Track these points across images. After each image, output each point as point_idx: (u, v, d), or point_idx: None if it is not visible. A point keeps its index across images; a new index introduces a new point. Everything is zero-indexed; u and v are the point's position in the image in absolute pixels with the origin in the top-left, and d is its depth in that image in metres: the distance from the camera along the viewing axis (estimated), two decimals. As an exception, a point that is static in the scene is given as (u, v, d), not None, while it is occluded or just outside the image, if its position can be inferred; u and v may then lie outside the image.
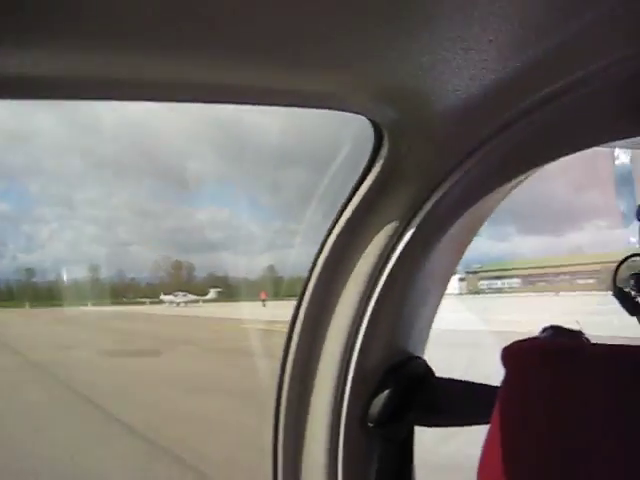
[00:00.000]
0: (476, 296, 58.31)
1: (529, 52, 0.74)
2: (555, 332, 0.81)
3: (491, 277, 68.80)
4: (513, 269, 65.93)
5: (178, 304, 53.20)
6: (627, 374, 0.69)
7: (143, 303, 58.15)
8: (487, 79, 0.78)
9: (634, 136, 0.81)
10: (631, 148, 1.16)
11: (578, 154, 0.92)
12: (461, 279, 68.17)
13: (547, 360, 0.76)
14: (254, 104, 0.79)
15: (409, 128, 0.88)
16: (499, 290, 63.48)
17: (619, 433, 0.68)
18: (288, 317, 1.04)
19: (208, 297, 59.21)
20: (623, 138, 0.86)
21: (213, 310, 41.15)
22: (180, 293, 57.10)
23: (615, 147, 1.16)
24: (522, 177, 0.97)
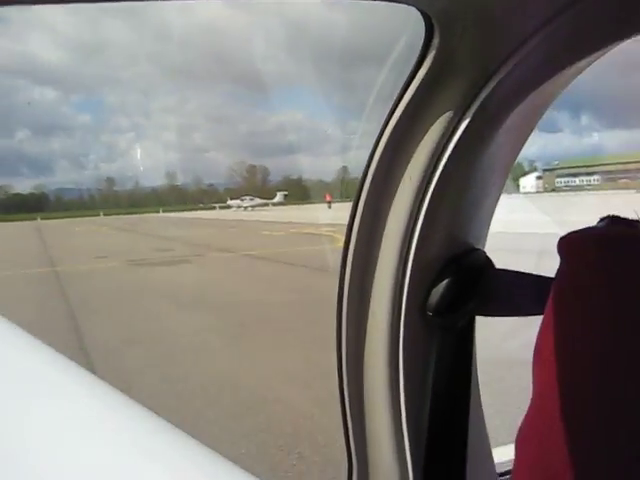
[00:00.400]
0: (552, 194, 55.83)
1: None
2: (613, 222, 0.77)
3: (569, 174, 65.97)
4: (593, 165, 62.69)
5: (245, 208, 53.65)
6: None
7: (214, 208, 59.47)
8: None
9: None
10: None
11: None
12: (538, 177, 65.76)
13: (603, 249, 0.74)
14: None
15: (459, 16, 0.86)
16: (578, 188, 60.76)
17: None
18: (345, 219, 1.05)
19: (275, 200, 59.92)
20: None
21: (277, 214, 41.20)
22: (247, 197, 57.70)
23: None
24: (582, 64, 0.93)
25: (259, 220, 34.10)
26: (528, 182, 61.27)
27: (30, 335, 0.76)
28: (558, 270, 0.79)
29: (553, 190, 62.35)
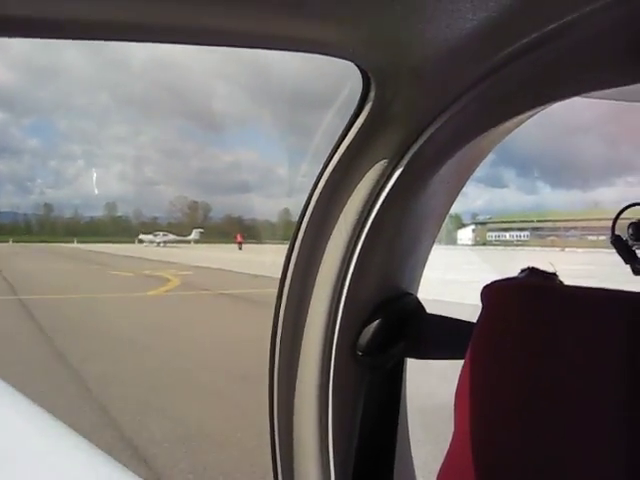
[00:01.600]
0: (482, 248, 55.28)
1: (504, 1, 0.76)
2: (532, 273, 0.83)
3: (500, 229, 65.66)
4: (523, 221, 62.57)
5: (158, 244, 51.29)
6: (599, 315, 0.72)
7: (133, 242, 56.11)
8: (464, 28, 0.80)
9: (624, 84, 0.80)
10: (622, 100, 1.13)
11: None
12: (474, 230, 65.34)
13: (522, 297, 0.78)
14: (248, 47, 0.82)
15: (394, 74, 0.90)
16: (507, 243, 60.39)
17: (586, 369, 0.72)
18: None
19: (190, 237, 58.72)
20: (608, 87, 0.84)
21: (176, 252, 39.99)
22: (160, 233, 55.60)
23: (604, 98, 1.10)
24: (513, 122, 0.96)
25: (141, 257, 31.36)
26: (465, 234, 62.21)
27: None
28: (479, 317, 0.82)
29: (484, 244, 62.03)
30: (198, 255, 34.63)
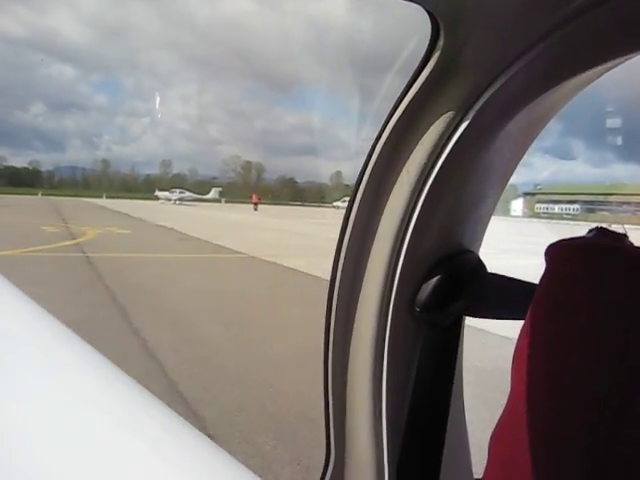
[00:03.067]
0: (525, 220, 51.00)
1: None
2: (600, 233, 0.79)
3: (549, 201, 60.42)
4: (575, 194, 57.13)
5: (175, 202, 49.74)
6: None
7: (157, 198, 54.57)
8: None
9: None
10: None
11: None
12: (523, 201, 60.64)
13: (588, 257, 0.76)
14: None
15: (465, 19, 0.87)
16: (554, 215, 55.52)
17: None
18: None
19: (209, 196, 57.21)
20: None
21: (176, 210, 39.30)
22: (177, 190, 53.83)
23: None
24: (585, 76, 0.92)
25: (127, 214, 29.91)
26: (517, 205, 58.01)
27: (35, 304, 0.87)
28: (542, 277, 0.81)
29: (532, 216, 57.42)
30: (191, 213, 33.76)
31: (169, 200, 49.89)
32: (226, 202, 57.71)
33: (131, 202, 47.02)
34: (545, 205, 60.51)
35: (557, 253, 0.78)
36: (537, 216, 57.10)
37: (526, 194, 62.64)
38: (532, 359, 0.77)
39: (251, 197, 50.89)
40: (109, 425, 0.53)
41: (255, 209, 44.94)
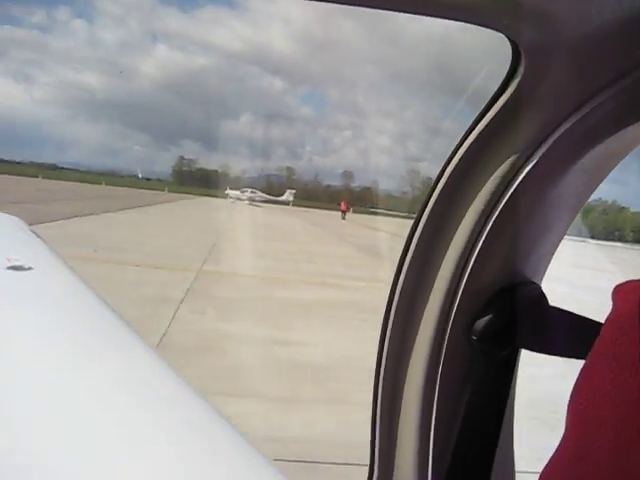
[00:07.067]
0: None
1: None
2: None
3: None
4: None
5: (244, 200, 48.86)
6: None
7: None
8: (628, 9, 0.77)
9: None
10: None
11: None
12: None
13: None
14: (400, 11, 0.80)
15: (547, 50, 0.87)
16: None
17: None
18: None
19: (283, 198, 56.24)
20: None
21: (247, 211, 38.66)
22: (249, 189, 52.87)
23: None
24: None
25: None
26: None
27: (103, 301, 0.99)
28: (608, 317, 0.79)
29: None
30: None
31: (239, 199, 48.78)
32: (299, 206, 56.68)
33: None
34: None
35: (624, 294, 0.75)
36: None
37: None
38: (591, 402, 0.72)
39: (339, 204, 48.45)
40: (176, 441, 0.57)
41: (343, 218, 41.97)
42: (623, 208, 66.24)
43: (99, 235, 14.53)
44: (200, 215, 32.49)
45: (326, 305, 9.69)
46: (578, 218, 1.03)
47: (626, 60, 0.84)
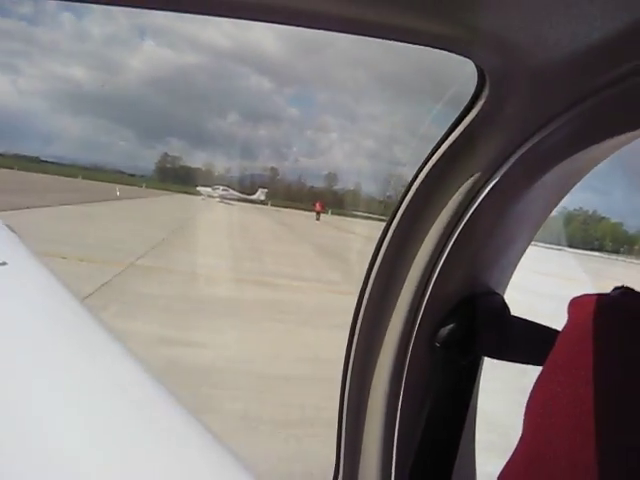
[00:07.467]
0: None
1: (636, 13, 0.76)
2: (625, 293, 0.78)
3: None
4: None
5: (215, 198, 47.66)
6: None
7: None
8: (590, 37, 0.80)
9: None
10: None
11: None
12: None
13: (610, 317, 0.75)
14: (369, 36, 0.83)
15: (511, 75, 0.90)
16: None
17: None
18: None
19: (254, 197, 55.16)
20: None
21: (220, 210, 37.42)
22: (220, 187, 51.51)
23: None
24: (628, 136, 0.95)
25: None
26: None
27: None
28: (564, 327, 0.82)
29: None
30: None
31: (210, 197, 47.58)
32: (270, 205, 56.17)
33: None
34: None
35: (579, 307, 0.78)
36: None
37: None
38: (547, 408, 0.75)
39: (314, 205, 48.15)
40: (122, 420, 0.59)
41: (317, 219, 41.66)
42: (603, 218, 67.09)
43: (43, 226, 13.88)
44: (164, 211, 31.43)
45: (247, 304, 9.09)
46: (558, 227, 0.95)
47: (581, 88, 0.88)
